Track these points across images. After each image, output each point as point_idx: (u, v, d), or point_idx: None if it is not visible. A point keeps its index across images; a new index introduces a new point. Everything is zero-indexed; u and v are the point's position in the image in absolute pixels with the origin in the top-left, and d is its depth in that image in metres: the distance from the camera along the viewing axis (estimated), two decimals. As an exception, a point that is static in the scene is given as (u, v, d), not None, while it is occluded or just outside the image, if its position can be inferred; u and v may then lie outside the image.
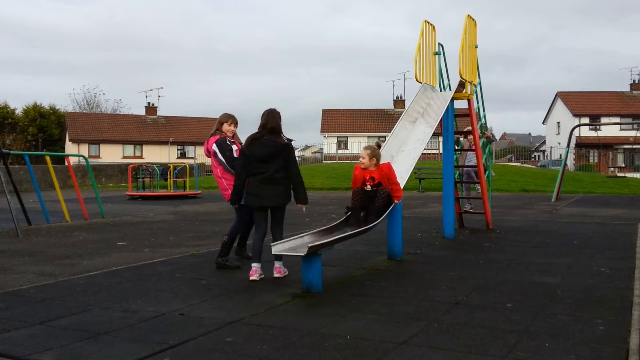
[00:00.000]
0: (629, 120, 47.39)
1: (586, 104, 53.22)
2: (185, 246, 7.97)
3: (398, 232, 6.69)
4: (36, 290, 5.20)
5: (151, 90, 69.65)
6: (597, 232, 9.15)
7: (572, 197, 18.46)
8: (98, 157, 49.59)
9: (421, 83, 8.48)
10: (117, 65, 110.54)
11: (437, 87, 9.05)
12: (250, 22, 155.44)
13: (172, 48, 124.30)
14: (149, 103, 56.16)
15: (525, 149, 62.28)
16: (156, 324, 4.09)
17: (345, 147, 52.44)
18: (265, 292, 5.04)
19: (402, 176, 6.90)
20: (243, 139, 6.30)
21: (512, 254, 7.05)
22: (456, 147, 9.71)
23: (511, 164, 39.62)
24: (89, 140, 50.61)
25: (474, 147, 9.54)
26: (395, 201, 6.28)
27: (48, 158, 12.08)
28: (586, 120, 49.30)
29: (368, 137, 51.50)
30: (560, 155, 26.09)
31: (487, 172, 10.13)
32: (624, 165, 47.96)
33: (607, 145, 44.92)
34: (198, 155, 47.21)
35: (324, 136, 54.07)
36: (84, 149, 49.03)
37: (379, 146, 6.51)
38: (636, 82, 55.75)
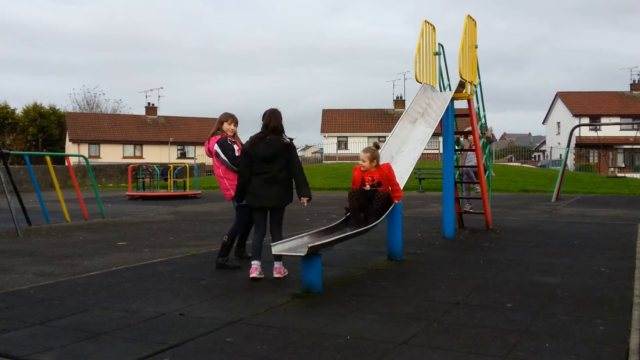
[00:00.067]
0: (629, 120, 47.41)
1: (586, 104, 53.23)
2: (185, 246, 7.97)
3: (398, 232, 6.69)
4: (36, 291, 5.20)
5: (151, 90, 69.76)
6: (597, 232, 9.15)
7: (572, 197, 18.46)
8: (98, 157, 49.59)
9: (421, 83, 8.48)
10: (117, 65, 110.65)
11: (437, 87, 9.05)
12: (250, 22, 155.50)
13: (172, 48, 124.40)
14: (149, 103, 56.19)
15: (525, 149, 62.29)
16: (156, 324, 4.09)
17: (346, 147, 52.45)
18: (265, 292, 5.04)
19: (402, 176, 6.91)
20: (243, 138, 6.31)
21: (512, 254, 7.06)
22: (456, 147, 9.71)
23: (511, 164, 39.63)
24: (89, 141, 50.62)
25: (474, 147, 9.54)
26: (395, 201, 6.28)
27: (48, 158, 12.08)
28: (586, 120, 49.29)
29: (368, 137, 51.47)
30: (560, 155, 26.09)
31: (487, 172, 10.13)
32: (624, 166, 47.97)
33: (607, 146, 44.92)
34: (198, 155, 47.21)
35: (324, 136, 54.08)
36: (84, 149, 49.04)
37: (377, 147, 6.50)
38: (636, 82, 55.76)
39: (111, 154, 50.00)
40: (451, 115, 8.67)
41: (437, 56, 8.98)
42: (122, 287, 5.31)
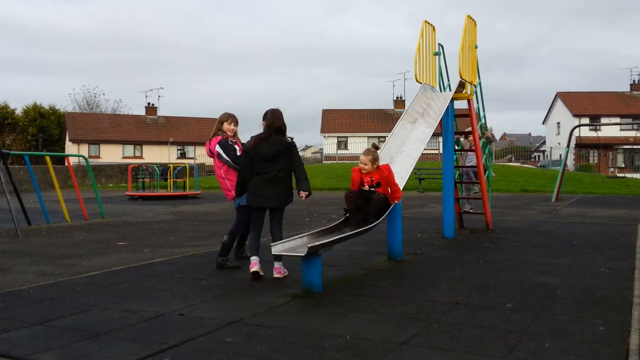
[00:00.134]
0: (629, 120, 47.45)
1: (586, 104, 53.24)
2: (185, 246, 7.97)
3: (398, 232, 6.69)
4: (36, 291, 5.20)
5: (151, 90, 69.77)
6: (597, 233, 9.15)
7: (572, 197, 18.47)
8: (98, 157, 49.60)
9: (421, 83, 8.48)
10: (117, 65, 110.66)
11: (437, 88, 9.05)
12: (250, 22, 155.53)
13: (172, 48, 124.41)
14: (149, 103, 56.21)
15: (525, 149, 62.30)
16: (156, 324, 4.09)
17: (345, 148, 52.46)
18: (265, 292, 5.04)
19: (402, 176, 6.91)
20: (244, 138, 6.31)
21: (512, 254, 7.05)
22: (456, 148, 9.72)
23: (511, 164, 39.64)
24: (89, 141, 50.63)
25: (474, 148, 9.54)
26: (395, 202, 6.28)
27: (48, 158, 12.07)
28: (586, 120, 49.31)
29: (368, 137, 51.45)
30: (560, 155, 26.09)
31: (487, 172, 10.13)
32: (623, 166, 47.98)
33: (607, 146, 44.93)
34: (198, 155, 47.22)
35: (324, 136, 54.09)
36: (84, 149, 49.05)
37: (377, 147, 6.50)
38: (636, 82, 55.77)
39: (111, 154, 50.01)
40: (451, 115, 8.68)
41: (437, 56, 8.98)
42: (122, 287, 5.30)
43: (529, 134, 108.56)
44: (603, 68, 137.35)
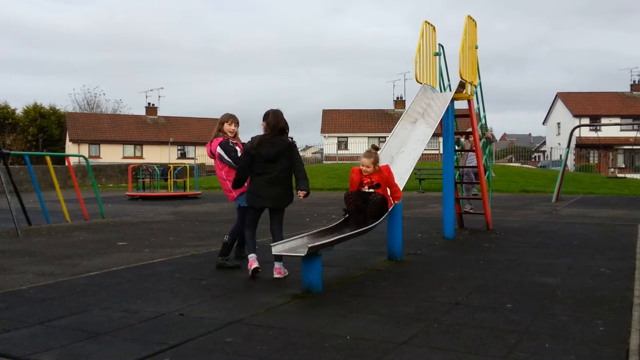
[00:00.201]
0: (629, 120, 47.46)
1: (586, 105, 53.24)
2: (185, 246, 7.97)
3: (398, 232, 6.69)
4: (36, 291, 5.20)
5: (151, 90, 69.63)
6: (597, 233, 9.15)
7: (572, 197, 18.47)
8: (98, 157, 49.62)
9: (421, 83, 8.48)
10: (117, 65, 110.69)
11: (438, 88, 9.06)
12: (250, 22, 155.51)
13: (172, 48, 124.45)
14: (149, 103, 56.23)
15: (525, 149, 62.26)
16: (156, 324, 4.09)
17: (346, 148, 52.46)
18: (265, 293, 5.04)
19: (402, 176, 6.91)
20: (244, 139, 6.32)
21: (512, 254, 7.05)
22: (456, 148, 9.72)
23: (511, 164, 39.63)
24: (89, 141, 50.64)
25: (474, 148, 9.54)
26: (395, 202, 6.28)
27: (48, 158, 12.07)
28: (586, 120, 49.29)
29: (368, 137, 51.48)
30: (561, 155, 26.10)
31: (487, 172, 10.13)
32: (624, 166, 47.94)
33: (607, 146, 44.92)
34: (198, 155, 47.24)
35: (324, 136, 54.09)
36: (84, 149, 49.06)
37: (377, 148, 6.50)
38: (636, 82, 55.76)
39: (111, 154, 50.03)
40: (451, 115, 8.68)
41: (438, 56, 8.98)
42: (122, 287, 5.31)
43: (529, 134, 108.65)
44: (603, 68, 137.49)
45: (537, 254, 7.11)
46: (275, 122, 5.63)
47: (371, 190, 6.07)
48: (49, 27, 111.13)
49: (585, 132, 43.60)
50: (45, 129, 50.18)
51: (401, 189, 6.43)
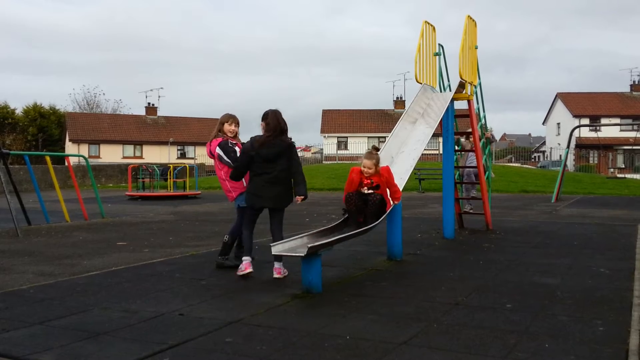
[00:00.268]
0: (629, 121, 47.47)
1: (586, 105, 53.25)
2: (185, 246, 7.97)
3: (398, 232, 6.69)
4: (36, 290, 5.20)
5: (151, 90, 69.66)
6: (597, 233, 9.15)
7: (572, 197, 18.47)
8: (98, 157, 49.61)
9: (421, 84, 8.48)
10: (117, 65, 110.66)
11: (437, 88, 9.05)
12: (250, 22, 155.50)
13: (172, 48, 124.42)
14: (149, 103, 56.22)
15: (525, 149, 62.28)
16: (156, 324, 4.09)
17: (345, 148, 52.48)
18: (265, 293, 5.05)
19: (402, 177, 6.91)
20: (244, 139, 6.31)
21: (511, 254, 7.06)
22: (456, 148, 9.71)
23: (511, 164, 39.65)
24: (89, 141, 50.64)
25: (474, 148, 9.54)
26: (395, 202, 6.29)
27: (48, 158, 12.07)
28: (586, 121, 49.31)
29: (368, 137, 51.51)
30: (560, 156, 26.10)
31: (487, 172, 10.13)
32: (623, 166, 47.98)
33: (607, 146, 44.94)
34: (198, 155, 47.24)
35: (324, 136, 54.09)
36: (84, 149, 49.05)
37: (377, 149, 6.50)
38: (636, 82, 55.77)
39: (111, 154, 50.01)
40: (451, 115, 8.68)
41: (437, 57, 8.98)
42: (122, 287, 5.31)
43: (529, 134, 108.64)
44: (603, 68, 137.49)
45: (536, 254, 7.11)
46: (276, 123, 5.63)
47: (370, 191, 6.07)
48: (49, 27, 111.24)
49: (585, 133, 43.63)
50: (45, 128, 50.17)
51: (401, 189, 6.43)
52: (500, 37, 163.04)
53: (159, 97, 66.45)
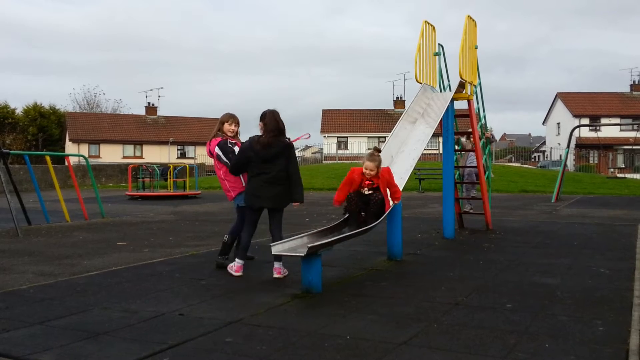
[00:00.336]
0: (629, 121, 47.48)
1: (586, 105, 53.25)
2: (185, 246, 7.97)
3: (398, 232, 6.69)
4: (36, 290, 5.20)
5: (151, 90, 69.79)
6: (597, 233, 9.15)
7: (572, 197, 18.46)
8: (98, 157, 49.61)
9: (421, 83, 8.48)
10: (117, 65, 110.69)
11: (437, 88, 9.06)
12: (250, 22, 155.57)
13: (172, 48, 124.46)
14: (149, 103, 56.22)
15: (525, 149, 62.28)
16: (156, 324, 4.09)
17: (345, 148, 52.48)
18: (265, 293, 5.04)
19: (402, 176, 6.91)
20: (244, 139, 6.31)
21: (511, 254, 7.05)
22: (456, 148, 9.71)
23: (511, 164, 39.63)
24: (89, 140, 50.63)
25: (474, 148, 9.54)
26: (395, 202, 6.29)
27: (48, 158, 12.06)
28: (586, 121, 49.32)
29: (368, 137, 51.54)
30: (560, 155, 26.10)
31: (487, 172, 10.13)
32: (624, 166, 47.97)
33: (607, 146, 44.93)
34: (198, 155, 47.25)
35: (324, 136, 54.10)
36: (84, 149, 49.05)
37: (379, 151, 6.50)
38: (636, 82, 55.77)
39: (111, 154, 50.02)
40: (451, 115, 8.68)
41: (437, 56, 8.98)
42: (122, 287, 5.31)
43: (529, 134, 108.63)
44: (603, 68, 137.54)
45: (536, 254, 7.11)
46: (274, 123, 5.64)
47: (370, 192, 6.07)
48: (49, 27, 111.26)
49: (585, 132, 43.65)
50: (45, 128, 50.16)
51: (401, 189, 6.44)
52: (500, 37, 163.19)
53: (159, 97, 66.63)
